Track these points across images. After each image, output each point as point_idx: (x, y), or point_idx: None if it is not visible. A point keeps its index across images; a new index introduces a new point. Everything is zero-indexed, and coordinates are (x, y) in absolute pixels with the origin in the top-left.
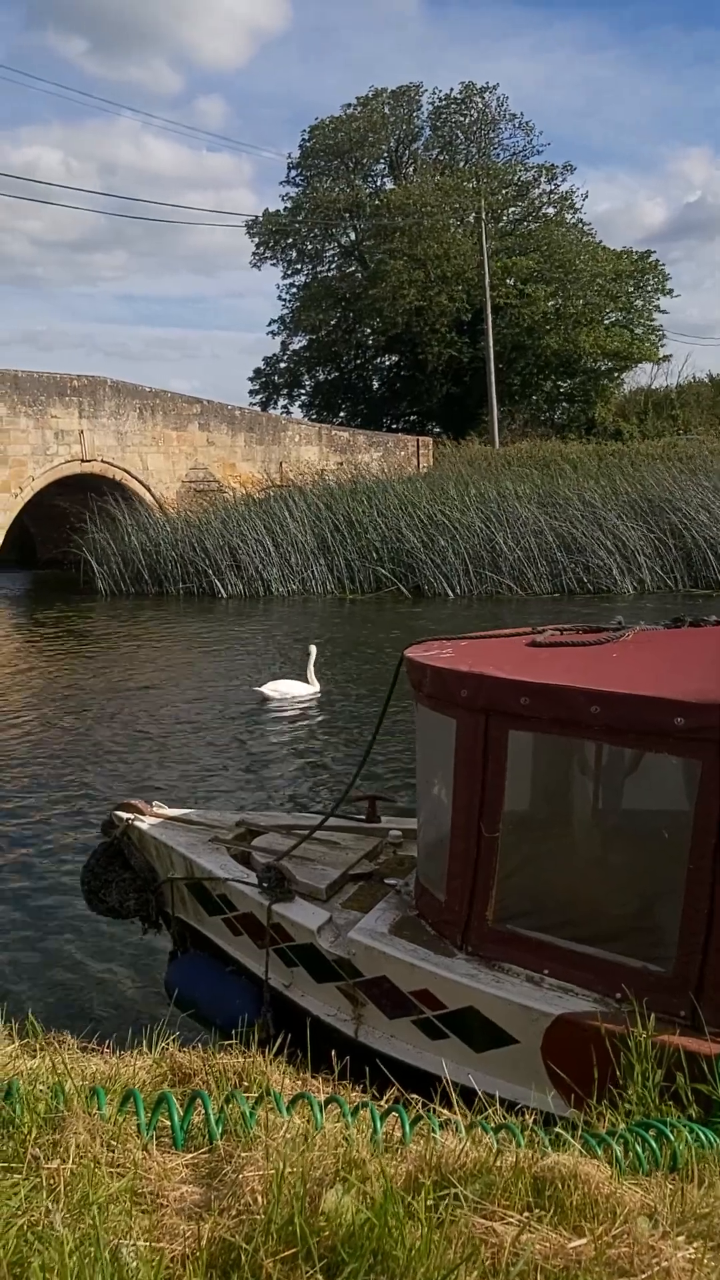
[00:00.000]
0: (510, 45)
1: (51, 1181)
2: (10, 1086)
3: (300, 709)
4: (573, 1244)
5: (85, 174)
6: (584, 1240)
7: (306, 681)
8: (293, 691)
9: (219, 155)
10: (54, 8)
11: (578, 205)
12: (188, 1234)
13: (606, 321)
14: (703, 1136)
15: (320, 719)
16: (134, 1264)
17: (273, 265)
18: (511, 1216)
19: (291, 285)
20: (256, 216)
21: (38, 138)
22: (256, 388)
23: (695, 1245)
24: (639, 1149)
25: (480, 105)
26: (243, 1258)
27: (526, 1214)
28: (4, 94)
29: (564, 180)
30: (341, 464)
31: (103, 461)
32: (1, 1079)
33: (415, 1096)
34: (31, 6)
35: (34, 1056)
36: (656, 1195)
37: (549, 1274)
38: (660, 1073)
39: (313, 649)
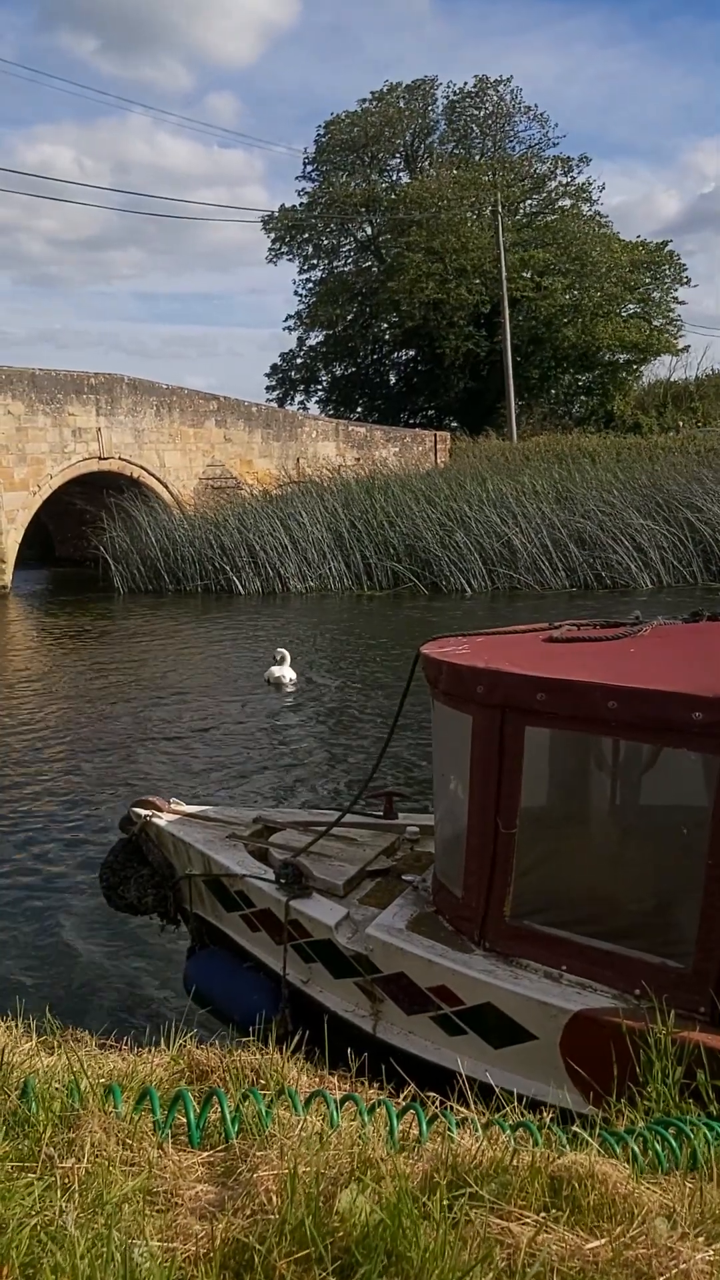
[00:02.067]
0: (525, 41)
1: (66, 1181)
2: (26, 1084)
3: (318, 706)
4: (590, 1245)
5: (99, 172)
6: (601, 1241)
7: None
8: (294, 675)
9: (232, 151)
10: (66, 7)
11: (594, 197)
12: (201, 1234)
13: (624, 314)
14: None
15: (337, 716)
16: (146, 1265)
17: (289, 261)
18: (528, 1217)
19: (308, 281)
20: (272, 212)
21: (51, 136)
22: (273, 384)
23: (715, 1247)
24: (658, 1147)
25: (495, 98)
26: (256, 1259)
27: (543, 1214)
28: (17, 93)
29: (580, 172)
30: (359, 460)
31: (120, 459)
32: (18, 1077)
33: (433, 1094)
34: (44, 7)
35: (51, 1054)
36: (675, 1195)
37: (565, 1276)
38: (680, 1070)
39: (282, 653)
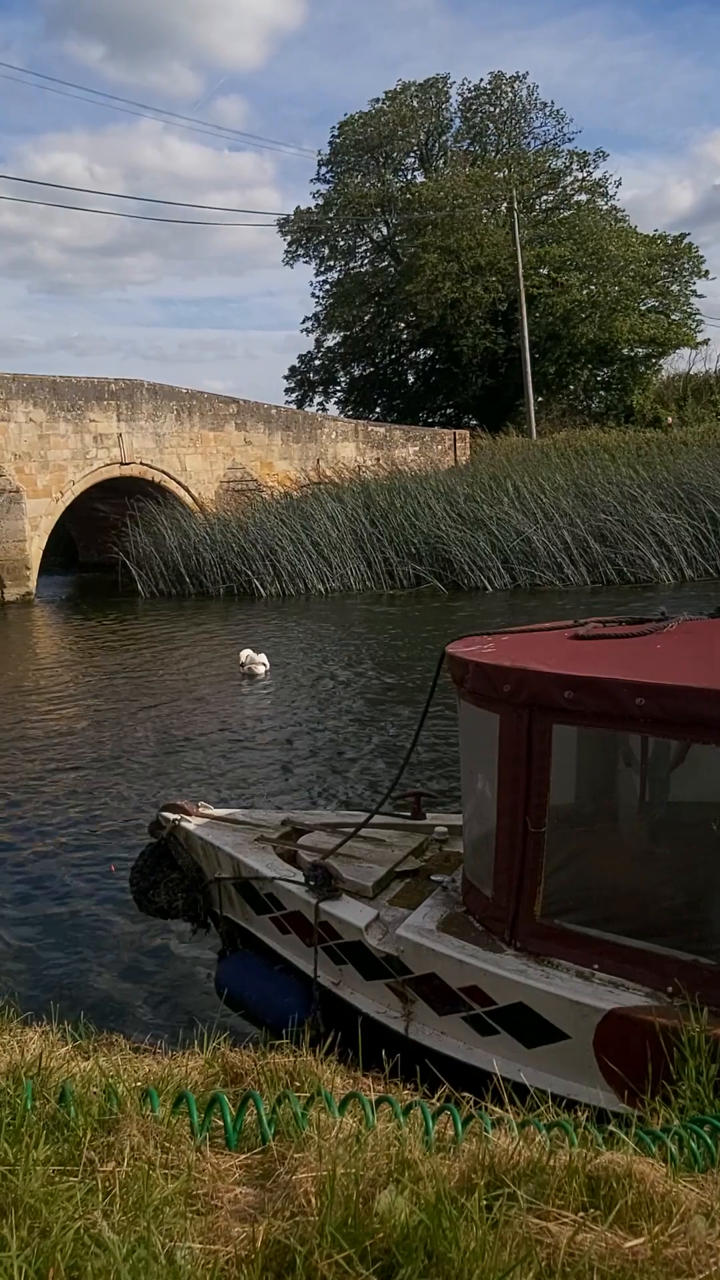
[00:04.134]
0: (535, 34)
1: (107, 1184)
2: (64, 1089)
3: (341, 707)
4: (628, 1244)
5: (110, 179)
6: (640, 1240)
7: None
8: (268, 665)
9: (242, 155)
10: (73, 15)
11: (610, 191)
12: (242, 1237)
13: (642, 308)
14: None
15: (363, 717)
16: (189, 1268)
17: (305, 263)
18: (566, 1216)
19: (325, 282)
20: (288, 215)
21: (61, 144)
22: (292, 385)
23: None
24: (694, 1145)
25: (510, 95)
26: (297, 1260)
27: (581, 1214)
28: (26, 102)
29: (596, 167)
30: (378, 460)
31: (141, 464)
32: (55, 1082)
33: (467, 1094)
34: (51, 15)
35: (87, 1058)
36: (712, 1193)
37: (605, 1275)
38: (714, 1067)
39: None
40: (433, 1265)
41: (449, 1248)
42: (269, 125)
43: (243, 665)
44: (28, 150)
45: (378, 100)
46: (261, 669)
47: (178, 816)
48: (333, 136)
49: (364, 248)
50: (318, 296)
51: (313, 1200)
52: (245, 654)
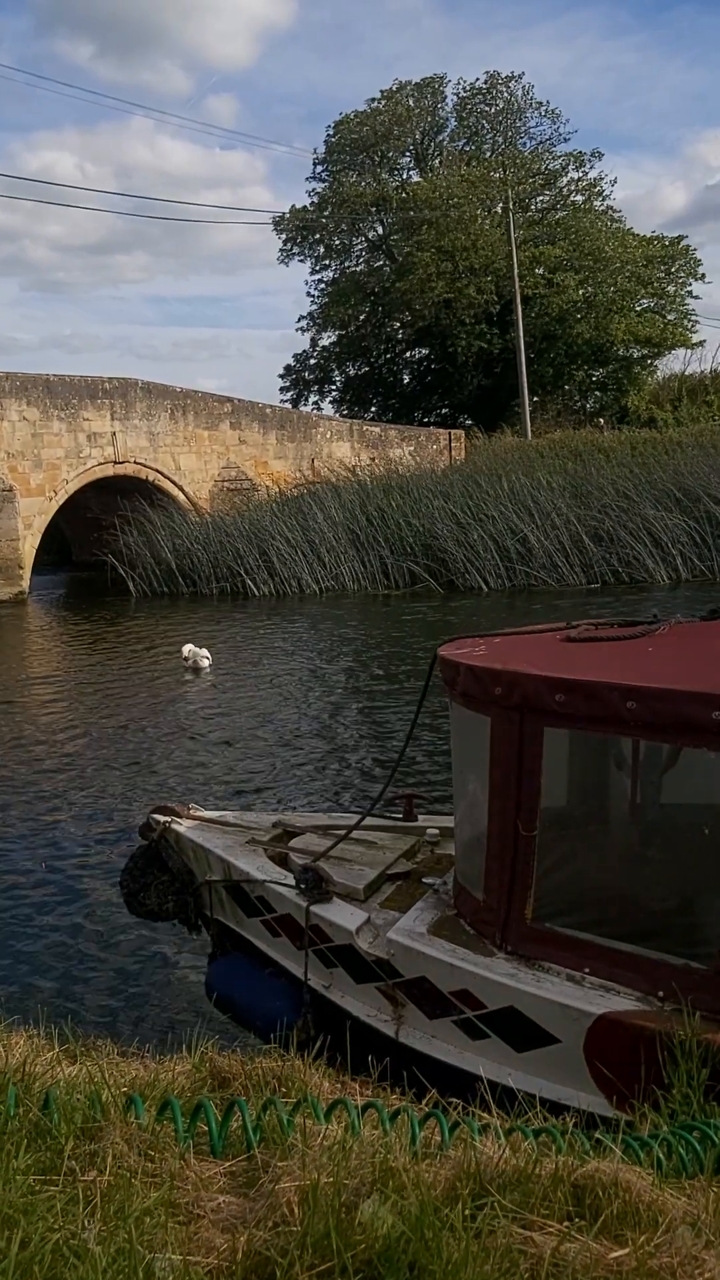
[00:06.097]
0: (529, 34)
1: (88, 1193)
2: (48, 1096)
3: (334, 709)
4: (613, 1254)
5: (101, 177)
6: (625, 1250)
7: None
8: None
9: (233, 153)
10: (62, 13)
11: (606, 192)
12: (223, 1247)
13: (638, 308)
14: None
15: (354, 719)
16: (168, 1279)
17: (300, 261)
18: (551, 1226)
19: (320, 281)
20: (283, 213)
21: (52, 142)
22: (287, 385)
23: None
24: (682, 1152)
25: (505, 95)
26: (278, 1272)
27: (566, 1224)
28: (17, 99)
29: (592, 167)
30: (374, 459)
31: (135, 463)
32: (39, 1088)
33: (455, 1099)
34: (40, 14)
35: (73, 1063)
36: (700, 1202)
37: None
38: (705, 1072)
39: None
40: (415, 1277)
41: (431, 1259)
42: (260, 124)
43: (186, 660)
44: (18, 148)
45: (374, 99)
46: (205, 663)
47: (168, 818)
48: (328, 135)
49: (359, 247)
50: (313, 295)
51: (295, 1210)
52: (188, 649)
